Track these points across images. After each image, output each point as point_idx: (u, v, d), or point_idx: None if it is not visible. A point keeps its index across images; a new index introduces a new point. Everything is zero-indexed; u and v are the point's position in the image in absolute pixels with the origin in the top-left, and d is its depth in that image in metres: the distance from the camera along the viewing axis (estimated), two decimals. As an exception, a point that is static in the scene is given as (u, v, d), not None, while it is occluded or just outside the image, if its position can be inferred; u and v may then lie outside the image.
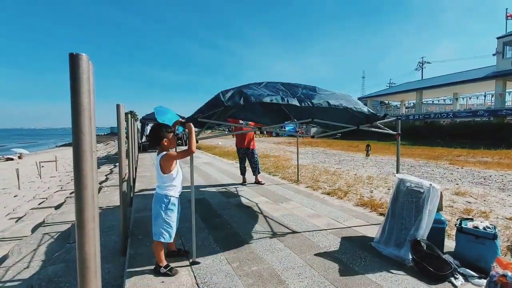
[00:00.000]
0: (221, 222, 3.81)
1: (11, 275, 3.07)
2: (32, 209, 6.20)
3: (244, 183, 6.21)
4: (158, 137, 2.46)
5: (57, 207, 5.98)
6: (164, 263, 2.48)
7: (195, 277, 2.42)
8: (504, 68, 19.98)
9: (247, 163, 6.28)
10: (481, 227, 2.56)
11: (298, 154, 7.27)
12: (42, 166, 12.96)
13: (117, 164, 3.44)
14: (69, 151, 22.04)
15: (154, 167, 8.21)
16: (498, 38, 20.66)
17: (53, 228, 4.44)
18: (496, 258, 2.25)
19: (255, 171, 6.16)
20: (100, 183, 7.86)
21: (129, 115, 5.94)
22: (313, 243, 3.08)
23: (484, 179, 6.72)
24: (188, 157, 2.57)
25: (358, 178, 6.84)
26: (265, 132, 27.48)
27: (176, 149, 3.06)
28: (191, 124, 2.52)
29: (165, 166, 2.44)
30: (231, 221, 3.86)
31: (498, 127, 17.74)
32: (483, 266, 2.42)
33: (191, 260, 2.67)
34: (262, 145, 18.30)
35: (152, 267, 2.53)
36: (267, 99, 2.63)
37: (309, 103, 2.74)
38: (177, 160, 2.53)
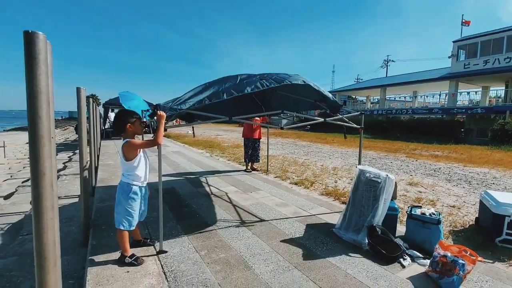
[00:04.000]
0: (189, 212, 3.79)
1: (-45, 270, 2.81)
2: (-22, 199, 5.62)
3: (247, 170, 6.66)
4: (121, 122, 2.37)
5: (7, 197, 5.50)
6: (129, 252, 2.43)
7: (162, 265, 2.41)
8: (458, 70, 21.78)
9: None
10: (427, 214, 2.84)
11: (268, 145, 7.39)
12: (-11, 153, 11.72)
13: (77, 151, 3.24)
14: (19, 136, 20.08)
15: (118, 155, 7.82)
16: (454, 41, 22.34)
17: (2, 220, 4.10)
18: (439, 241, 2.52)
19: (256, 159, 6.67)
20: (58, 171, 7.35)
21: (91, 99, 5.56)
22: (279, 230, 3.20)
23: (434, 171, 7.40)
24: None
25: (325, 169, 7.15)
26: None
27: (143, 137, 2.96)
28: (163, 113, 2.44)
29: (127, 154, 2.37)
30: (199, 210, 3.85)
31: (449, 124, 19.56)
32: (427, 248, 2.70)
33: (158, 249, 2.64)
34: (233, 135, 18.26)
35: (117, 257, 2.47)
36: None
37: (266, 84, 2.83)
38: (141, 149, 2.46)
